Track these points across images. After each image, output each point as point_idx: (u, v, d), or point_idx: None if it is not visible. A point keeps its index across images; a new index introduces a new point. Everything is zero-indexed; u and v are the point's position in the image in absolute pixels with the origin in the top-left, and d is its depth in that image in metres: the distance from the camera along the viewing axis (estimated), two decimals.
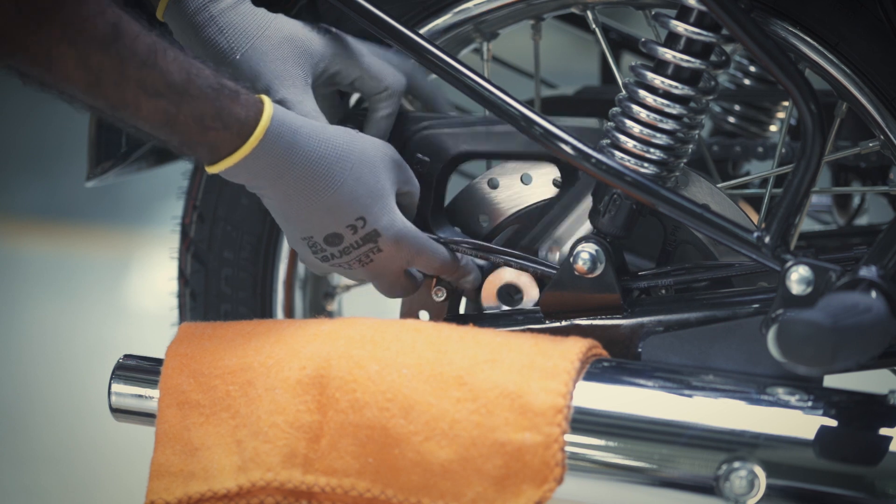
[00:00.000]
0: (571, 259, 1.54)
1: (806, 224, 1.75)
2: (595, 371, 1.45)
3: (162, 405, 1.50)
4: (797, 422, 1.40)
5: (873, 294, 1.39)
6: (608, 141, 1.53)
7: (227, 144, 1.43)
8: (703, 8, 1.48)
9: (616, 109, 1.53)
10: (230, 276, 1.74)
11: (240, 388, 1.48)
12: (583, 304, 1.54)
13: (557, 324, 1.55)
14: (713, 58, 1.51)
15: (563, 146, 1.51)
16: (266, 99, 1.45)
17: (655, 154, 1.51)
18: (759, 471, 1.38)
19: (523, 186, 1.61)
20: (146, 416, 1.52)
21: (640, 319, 1.53)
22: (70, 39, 1.32)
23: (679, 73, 1.50)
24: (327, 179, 1.48)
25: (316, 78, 1.55)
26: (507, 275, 1.59)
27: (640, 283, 1.56)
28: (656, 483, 1.41)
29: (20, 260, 4.15)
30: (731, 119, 2.04)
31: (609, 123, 1.54)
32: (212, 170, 1.44)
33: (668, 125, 1.51)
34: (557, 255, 1.58)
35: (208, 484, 1.47)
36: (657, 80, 1.51)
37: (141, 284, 3.98)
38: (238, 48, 1.51)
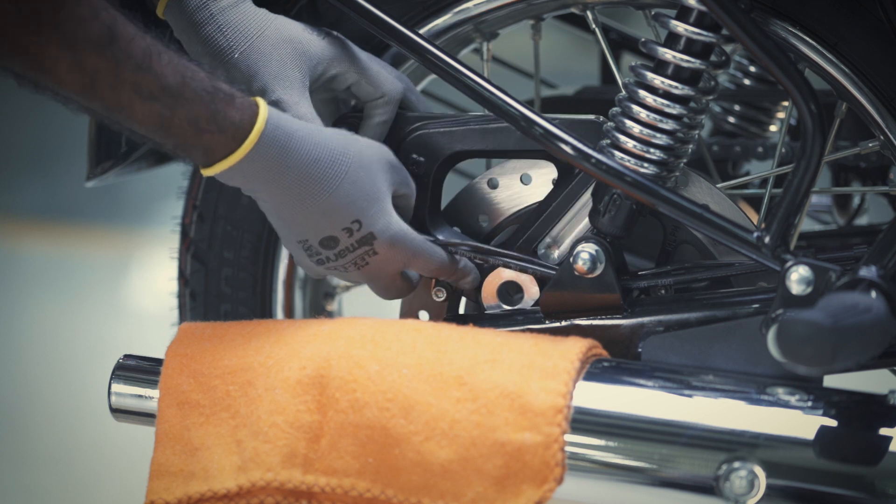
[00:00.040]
0: (571, 259, 1.54)
1: (806, 224, 1.75)
2: (595, 371, 1.45)
3: (162, 405, 1.50)
4: (797, 422, 1.40)
5: (873, 294, 1.39)
6: (608, 141, 1.53)
7: (222, 147, 1.43)
8: (703, 8, 1.48)
9: (616, 109, 1.53)
10: (230, 276, 1.74)
11: (240, 388, 1.48)
12: (583, 304, 1.54)
13: (557, 324, 1.55)
14: (713, 58, 1.51)
15: (563, 146, 1.51)
16: (261, 102, 1.44)
17: (655, 154, 1.51)
18: (759, 471, 1.38)
19: (523, 186, 1.61)
20: (146, 416, 1.52)
21: (640, 319, 1.53)
22: (65, 42, 1.31)
23: (679, 74, 1.50)
24: (323, 182, 1.47)
25: (314, 81, 1.55)
26: (506, 273, 1.59)
27: (640, 283, 1.56)
28: (656, 483, 1.41)
29: (20, 260, 4.15)
30: (731, 119, 2.04)
31: (609, 123, 1.54)
32: (207, 173, 1.44)
33: (668, 125, 1.51)
34: (556, 254, 1.58)
35: (208, 484, 1.47)
36: (657, 80, 1.51)
37: (141, 284, 3.98)
38: (237, 47, 1.51)
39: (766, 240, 1.47)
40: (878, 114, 1.53)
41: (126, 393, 1.53)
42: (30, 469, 3.08)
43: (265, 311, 1.74)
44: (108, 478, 3.05)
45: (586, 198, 1.56)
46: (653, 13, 1.55)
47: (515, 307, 1.59)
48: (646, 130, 1.51)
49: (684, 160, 1.54)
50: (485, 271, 1.60)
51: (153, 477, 1.49)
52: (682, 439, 1.40)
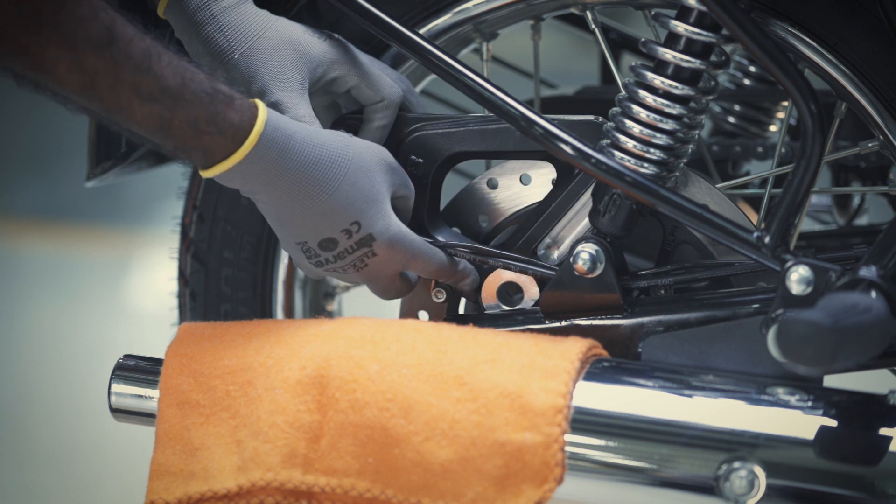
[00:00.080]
0: (571, 259, 1.54)
1: (806, 224, 1.75)
2: (595, 371, 1.45)
3: (162, 405, 1.50)
4: (797, 422, 1.40)
5: (873, 294, 1.39)
6: (608, 141, 1.53)
7: (222, 149, 1.43)
8: (702, 8, 1.48)
9: (616, 109, 1.53)
10: (230, 276, 1.74)
11: (240, 388, 1.48)
12: (583, 304, 1.54)
13: (557, 324, 1.55)
14: (713, 58, 1.51)
15: (563, 146, 1.51)
16: (260, 104, 1.44)
17: (655, 154, 1.51)
18: (759, 471, 1.38)
19: (523, 186, 1.61)
20: (146, 416, 1.52)
21: (640, 319, 1.53)
22: (65, 42, 1.31)
23: (679, 74, 1.50)
24: (322, 184, 1.47)
25: (313, 83, 1.55)
26: (506, 274, 1.59)
27: (640, 282, 1.56)
28: (656, 483, 1.41)
29: (20, 260, 4.15)
30: (731, 119, 2.04)
31: (609, 123, 1.54)
32: (206, 174, 1.44)
33: (668, 125, 1.51)
34: (556, 254, 1.58)
35: (208, 484, 1.47)
36: (657, 81, 1.51)
37: (141, 284, 3.98)
38: (237, 48, 1.51)
39: (766, 240, 1.47)
40: (877, 114, 1.53)
41: (126, 393, 1.53)
42: (30, 469, 3.09)
43: (265, 312, 1.74)
44: (108, 478, 3.05)
45: (586, 198, 1.56)
46: (653, 13, 1.55)
47: (515, 307, 1.59)
48: (646, 130, 1.51)
49: (684, 160, 1.54)
50: (484, 272, 1.60)
51: (153, 477, 1.49)
52: (682, 439, 1.40)
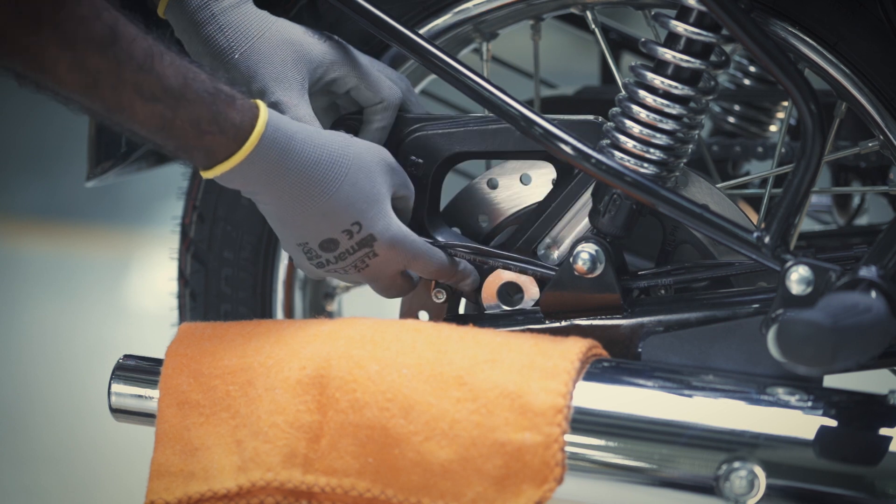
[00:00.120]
0: (571, 259, 1.54)
1: (806, 224, 1.75)
2: (595, 371, 1.45)
3: (162, 405, 1.50)
4: (797, 422, 1.40)
5: (873, 294, 1.39)
6: (608, 141, 1.53)
7: (223, 149, 1.43)
8: (702, 8, 1.48)
9: (616, 109, 1.53)
10: (230, 276, 1.74)
11: (240, 388, 1.48)
12: (583, 304, 1.54)
13: (557, 324, 1.55)
14: (713, 58, 1.51)
15: (563, 146, 1.51)
16: (261, 104, 1.44)
17: (655, 154, 1.51)
18: (759, 471, 1.38)
19: (523, 186, 1.61)
20: (146, 416, 1.52)
21: (640, 319, 1.53)
22: (66, 42, 1.31)
23: (679, 74, 1.50)
24: (323, 185, 1.47)
25: (313, 83, 1.55)
26: (506, 274, 1.59)
27: (640, 283, 1.56)
28: (656, 483, 1.41)
29: (20, 260, 4.15)
30: (731, 119, 2.04)
31: (609, 123, 1.54)
32: (207, 175, 1.44)
33: (668, 125, 1.51)
34: (556, 254, 1.58)
35: (208, 484, 1.47)
36: (657, 81, 1.51)
37: (141, 284, 3.98)
38: (237, 48, 1.51)
39: (766, 240, 1.47)
40: (877, 114, 1.53)
41: (126, 393, 1.53)
42: (30, 469, 3.08)
43: (265, 312, 1.74)
44: (108, 478, 3.05)
45: (586, 198, 1.56)
46: (653, 13, 1.55)
47: (515, 307, 1.59)
48: (646, 130, 1.51)
49: (684, 160, 1.54)
50: (484, 272, 1.60)
51: (153, 477, 1.49)
52: (682, 439, 1.40)
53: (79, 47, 1.32)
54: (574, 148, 1.50)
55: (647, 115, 1.51)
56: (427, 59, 1.54)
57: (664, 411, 1.42)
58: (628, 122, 1.52)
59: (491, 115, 1.57)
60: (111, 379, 1.53)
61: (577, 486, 1.42)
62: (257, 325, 1.53)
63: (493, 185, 1.62)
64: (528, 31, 1.69)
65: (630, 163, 1.51)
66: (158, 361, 1.52)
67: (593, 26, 1.61)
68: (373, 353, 1.46)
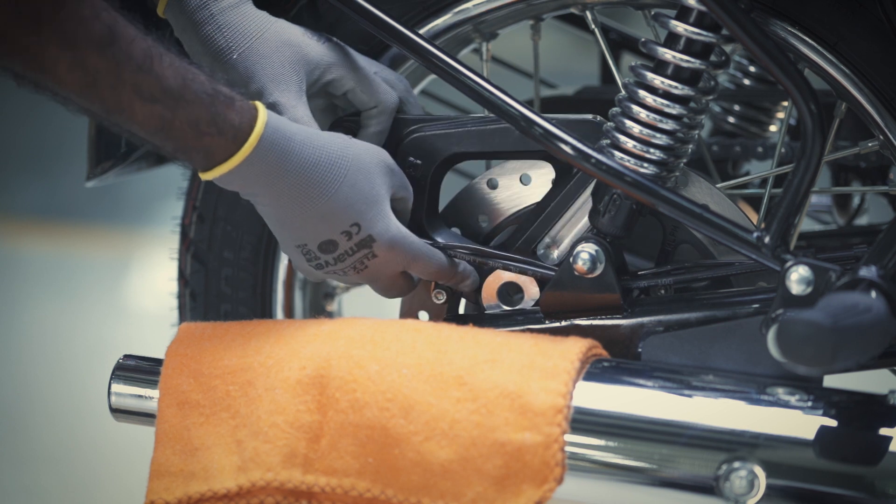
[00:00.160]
0: (571, 259, 1.54)
1: (806, 224, 1.75)
2: (595, 371, 1.45)
3: (162, 405, 1.50)
4: (797, 422, 1.40)
5: (873, 294, 1.39)
6: (608, 141, 1.53)
7: (222, 151, 1.43)
8: (702, 8, 1.48)
9: (616, 109, 1.53)
10: (230, 276, 1.74)
11: (240, 388, 1.48)
12: (583, 304, 1.54)
13: (557, 324, 1.55)
14: (713, 58, 1.51)
15: (563, 146, 1.51)
16: (260, 105, 1.44)
17: (655, 154, 1.51)
18: (759, 471, 1.38)
19: (523, 187, 1.61)
20: (146, 416, 1.52)
21: (640, 319, 1.53)
22: (66, 41, 1.31)
23: (679, 74, 1.50)
24: (322, 186, 1.47)
25: (311, 85, 1.55)
26: (506, 274, 1.59)
27: (640, 283, 1.56)
28: (656, 483, 1.41)
29: (20, 260, 4.15)
30: (731, 119, 2.04)
31: (609, 123, 1.54)
32: (206, 176, 1.44)
33: (668, 125, 1.51)
34: (555, 253, 1.58)
35: (208, 484, 1.47)
36: (657, 81, 1.51)
37: (141, 284, 3.98)
38: (235, 48, 1.51)
39: (766, 240, 1.47)
40: (877, 114, 1.53)
41: (126, 393, 1.53)
42: (30, 469, 3.09)
43: (265, 312, 1.74)
44: (108, 478, 3.05)
45: (585, 197, 1.56)
46: (653, 13, 1.55)
47: (516, 307, 1.59)
48: (646, 130, 1.51)
49: (684, 160, 1.54)
50: (484, 273, 1.60)
51: (153, 477, 1.49)
52: (682, 439, 1.40)
53: (79, 47, 1.32)
54: (574, 148, 1.50)
55: (647, 115, 1.51)
56: (427, 59, 1.54)
57: (664, 411, 1.42)
58: (628, 122, 1.52)
59: (489, 115, 1.57)
60: (111, 379, 1.53)
61: (577, 486, 1.42)
62: (257, 325, 1.53)
63: (493, 186, 1.62)
64: (528, 31, 1.69)
65: (630, 163, 1.51)
66: (158, 361, 1.53)
67: (593, 26, 1.61)
68: (373, 353, 1.46)
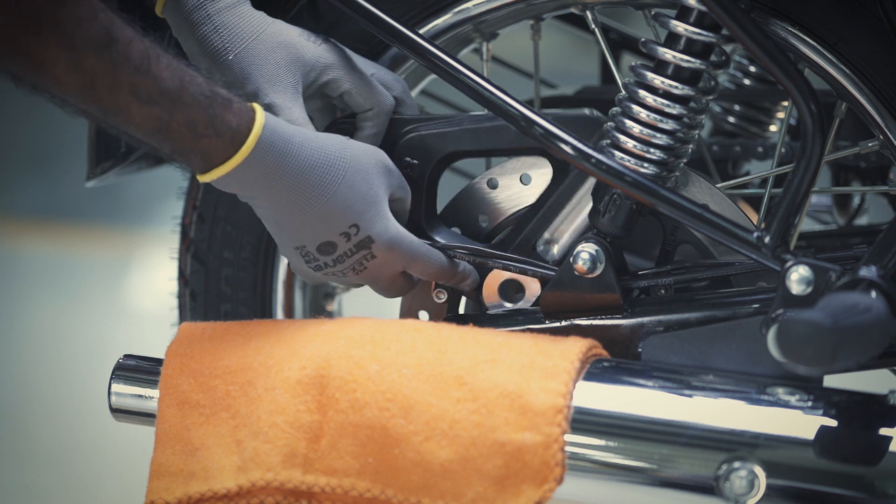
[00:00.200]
0: (571, 259, 1.54)
1: (806, 224, 1.75)
2: (595, 371, 1.45)
3: (162, 405, 1.50)
4: (797, 422, 1.40)
5: (873, 294, 1.39)
6: (608, 141, 1.53)
7: (220, 152, 1.42)
8: (702, 8, 1.48)
9: (616, 109, 1.53)
10: (230, 276, 1.74)
11: (240, 388, 1.48)
12: (583, 304, 1.54)
13: (557, 324, 1.55)
14: (713, 58, 1.51)
15: (563, 146, 1.51)
16: (258, 107, 1.44)
17: (655, 154, 1.51)
18: (759, 471, 1.38)
19: (523, 186, 1.61)
20: (146, 416, 1.52)
21: (640, 319, 1.53)
22: (65, 42, 1.31)
23: (679, 73, 1.50)
24: (320, 188, 1.47)
25: (307, 86, 1.55)
26: (507, 272, 1.59)
27: (640, 283, 1.56)
28: (656, 483, 1.41)
29: (20, 260, 4.16)
30: (731, 119, 2.04)
31: (609, 123, 1.54)
32: (204, 178, 1.44)
33: (668, 125, 1.51)
34: (555, 249, 1.58)
35: (208, 484, 1.47)
36: (657, 80, 1.51)
37: (141, 284, 3.98)
38: (232, 48, 1.51)
39: (766, 240, 1.47)
40: (877, 114, 1.53)
41: (126, 393, 1.53)
42: (30, 469, 3.09)
43: (265, 312, 1.74)
44: (108, 478, 3.06)
45: (583, 192, 1.56)
46: (653, 13, 1.55)
47: (516, 307, 1.59)
48: (646, 130, 1.51)
49: (684, 160, 1.54)
50: (484, 272, 1.59)
51: (153, 477, 1.49)
52: (682, 439, 1.40)
53: (77, 48, 1.32)
54: (574, 148, 1.50)
55: (648, 115, 1.51)
56: (427, 59, 1.54)
57: (664, 411, 1.42)
58: (628, 122, 1.52)
59: (484, 113, 1.57)
60: (111, 379, 1.53)
61: (577, 486, 1.42)
62: (257, 325, 1.53)
63: (493, 185, 1.62)
64: (528, 31, 1.69)
65: (630, 163, 1.51)
66: (158, 361, 1.53)
67: (593, 26, 1.61)
68: (373, 353, 1.46)
